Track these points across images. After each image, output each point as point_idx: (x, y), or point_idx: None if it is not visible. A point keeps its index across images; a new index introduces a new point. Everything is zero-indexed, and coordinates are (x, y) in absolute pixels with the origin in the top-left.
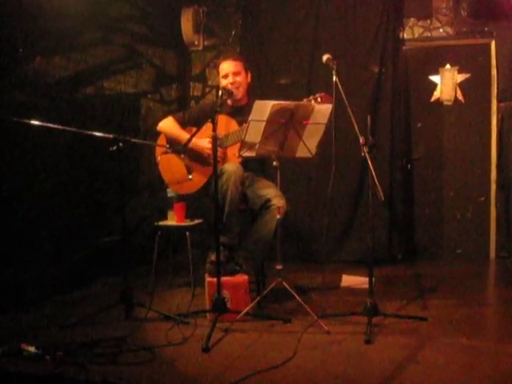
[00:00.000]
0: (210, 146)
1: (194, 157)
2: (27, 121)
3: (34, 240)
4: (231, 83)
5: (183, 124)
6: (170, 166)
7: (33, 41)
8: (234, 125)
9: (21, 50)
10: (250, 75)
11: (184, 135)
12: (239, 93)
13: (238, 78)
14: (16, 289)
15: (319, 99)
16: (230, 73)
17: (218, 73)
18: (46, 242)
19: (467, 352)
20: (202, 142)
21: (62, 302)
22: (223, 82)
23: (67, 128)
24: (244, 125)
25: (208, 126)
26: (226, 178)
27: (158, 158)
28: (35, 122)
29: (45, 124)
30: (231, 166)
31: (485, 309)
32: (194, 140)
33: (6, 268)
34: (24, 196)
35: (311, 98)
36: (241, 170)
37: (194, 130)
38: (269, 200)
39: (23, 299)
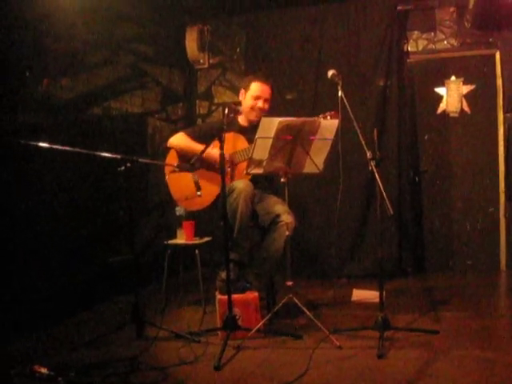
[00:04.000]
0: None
1: (203, 173)
2: (35, 143)
3: (44, 260)
4: (260, 108)
5: (194, 139)
6: (178, 182)
7: (40, 63)
8: (242, 141)
9: (28, 72)
10: None
11: (198, 146)
12: (259, 118)
13: (266, 106)
14: (27, 310)
15: (329, 117)
16: (262, 97)
17: (245, 87)
18: (56, 263)
19: (480, 364)
20: (215, 151)
21: (73, 323)
22: (250, 102)
23: (75, 149)
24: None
25: (216, 144)
26: (237, 194)
27: (167, 176)
28: (44, 144)
29: (53, 146)
30: (241, 183)
31: (497, 320)
32: (209, 149)
33: (17, 289)
34: (33, 216)
35: (321, 116)
36: (251, 186)
37: (204, 146)
38: (277, 216)
39: (34, 321)
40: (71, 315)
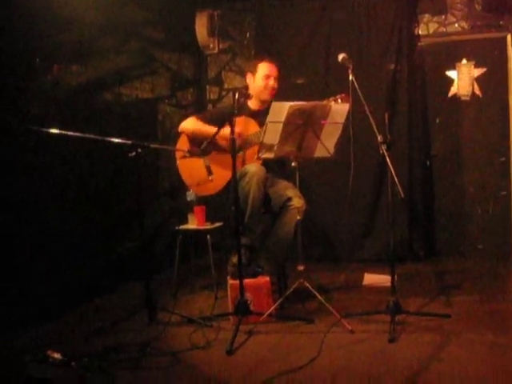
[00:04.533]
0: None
1: (215, 157)
2: (46, 129)
3: (55, 248)
4: (272, 86)
5: (205, 123)
6: (190, 168)
7: (50, 50)
8: (253, 125)
9: (38, 59)
10: None
11: (210, 129)
12: (272, 97)
13: (276, 85)
14: (40, 298)
15: (339, 100)
16: (272, 75)
17: (252, 71)
18: (68, 250)
19: (492, 348)
20: (229, 131)
21: (86, 309)
22: (261, 82)
23: (86, 135)
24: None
25: (228, 128)
26: (249, 178)
27: (178, 161)
28: (54, 131)
29: (64, 132)
30: (254, 167)
31: (509, 304)
32: (222, 131)
33: (30, 277)
34: (44, 204)
35: (331, 98)
36: (263, 170)
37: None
38: (288, 200)
39: (48, 307)
40: (84, 302)
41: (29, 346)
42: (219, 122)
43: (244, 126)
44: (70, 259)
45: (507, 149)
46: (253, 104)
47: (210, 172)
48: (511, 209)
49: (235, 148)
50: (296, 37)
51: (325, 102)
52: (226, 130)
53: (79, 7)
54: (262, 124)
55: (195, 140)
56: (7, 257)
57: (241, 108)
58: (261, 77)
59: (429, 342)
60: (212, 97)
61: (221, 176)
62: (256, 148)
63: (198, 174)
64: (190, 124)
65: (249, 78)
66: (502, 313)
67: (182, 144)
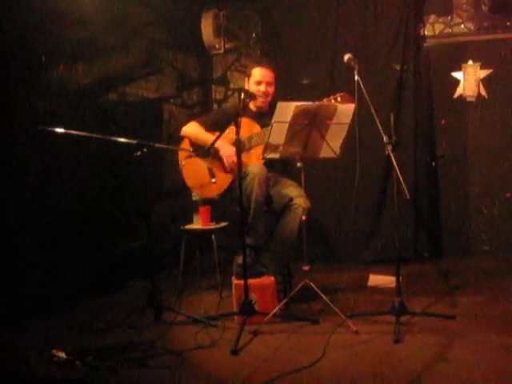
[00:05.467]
0: (232, 155)
1: (215, 162)
2: (52, 129)
3: (61, 245)
4: (263, 92)
5: (207, 128)
6: (193, 170)
7: (56, 49)
8: (256, 128)
9: (44, 57)
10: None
11: (209, 137)
12: (266, 102)
13: (270, 89)
14: (45, 295)
15: (339, 98)
16: (264, 81)
17: (248, 75)
18: (73, 248)
19: (497, 350)
20: (228, 149)
21: (91, 308)
22: (253, 88)
23: (91, 134)
24: (266, 127)
25: (232, 129)
26: (251, 179)
27: (182, 163)
28: (60, 130)
29: (69, 131)
30: (255, 167)
31: None
32: (220, 143)
33: (35, 274)
34: (49, 202)
35: (331, 97)
36: (265, 170)
37: (218, 133)
38: (291, 200)
39: (52, 305)
40: (89, 300)
41: (33, 344)
42: (223, 123)
43: (248, 127)
44: (75, 257)
45: None
46: (253, 106)
47: (212, 175)
48: None
49: (240, 148)
50: (302, 37)
51: (326, 101)
52: (224, 146)
53: (86, 6)
54: (263, 126)
55: (196, 145)
56: (12, 253)
57: (244, 109)
58: (253, 82)
59: (434, 342)
60: (218, 97)
61: (223, 179)
62: (259, 148)
63: (201, 176)
64: (190, 130)
65: (246, 82)
66: (507, 314)
67: (186, 146)
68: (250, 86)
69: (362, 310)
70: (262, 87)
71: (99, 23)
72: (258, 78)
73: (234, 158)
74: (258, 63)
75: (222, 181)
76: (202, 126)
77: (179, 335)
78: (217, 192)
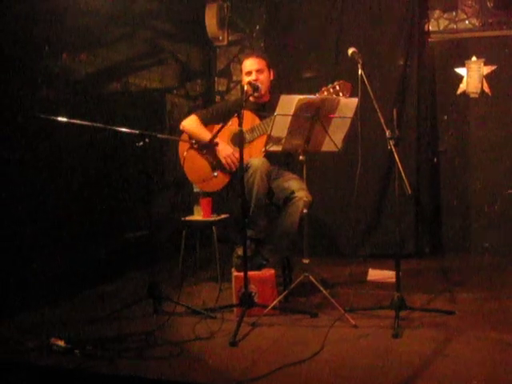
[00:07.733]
0: (230, 155)
1: (215, 156)
2: (54, 117)
3: (61, 235)
4: (254, 80)
5: (207, 121)
6: (194, 164)
7: (59, 38)
8: (257, 121)
9: (47, 47)
10: (272, 73)
11: (206, 134)
12: (261, 90)
13: (261, 76)
14: (44, 284)
15: (337, 87)
16: (253, 70)
17: (241, 70)
18: (73, 237)
19: (496, 346)
20: (226, 149)
21: (91, 297)
22: (246, 79)
23: (94, 124)
24: (267, 118)
25: (234, 121)
26: (252, 171)
27: (184, 154)
28: (62, 119)
29: (72, 120)
30: (257, 160)
31: None
32: (219, 142)
33: (35, 263)
34: (51, 191)
35: (329, 86)
36: (266, 163)
37: (219, 126)
38: (292, 193)
39: (52, 294)
40: (88, 290)
41: (32, 330)
42: (225, 116)
43: (250, 120)
44: (76, 245)
45: None
46: (252, 97)
47: (214, 168)
48: None
49: (242, 140)
50: (306, 30)
51: (324, 90)
52: (222, 146)
53: None
54: (262, 118)
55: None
56: (11, 243)
57: (246, 101)
58: (244, 74)
59: (433, 338)
60: (220, 88)
61: (224, 173)
62: (260, 140)
63: (202, 170)
64: (189, 124)
65: (242, 77)
66: (506, 310)
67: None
68: (244, 78)
69: (361, 305)
70: (253, 76)
71: (103, 13)
72: (247, 69)
73: (232, 157)
74: (246, 55)
75: (224, 175)
76: (202, 119)
77: (178, 326)
78: (218, 186)
